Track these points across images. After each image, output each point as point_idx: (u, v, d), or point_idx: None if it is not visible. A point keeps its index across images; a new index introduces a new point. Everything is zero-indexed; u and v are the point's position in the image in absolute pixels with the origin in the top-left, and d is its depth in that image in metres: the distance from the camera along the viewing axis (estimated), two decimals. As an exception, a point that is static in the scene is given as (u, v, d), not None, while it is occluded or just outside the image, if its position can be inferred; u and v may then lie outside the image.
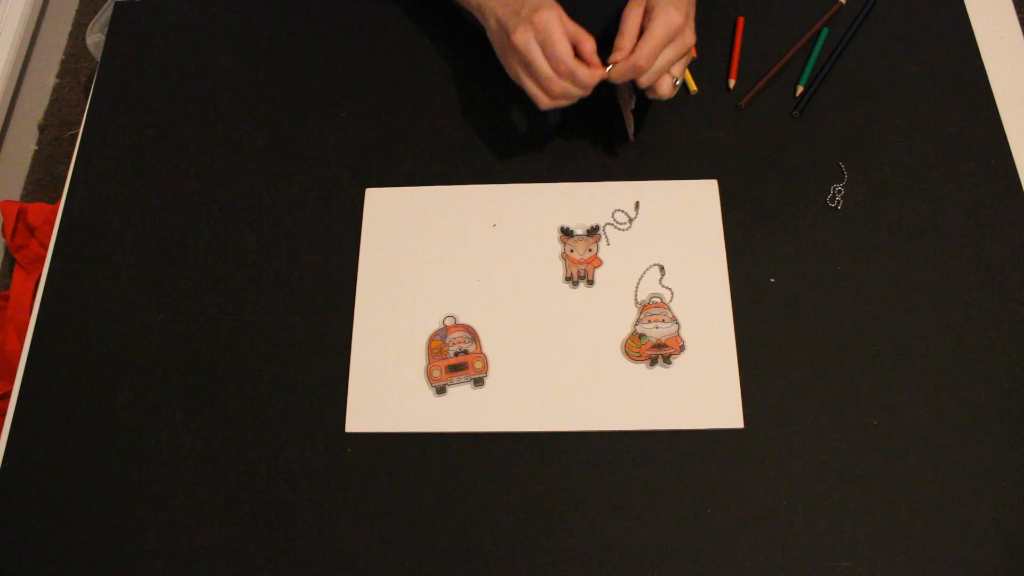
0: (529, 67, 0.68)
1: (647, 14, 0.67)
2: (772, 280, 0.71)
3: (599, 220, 0.74)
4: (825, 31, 0.82)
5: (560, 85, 0.67)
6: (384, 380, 0.69)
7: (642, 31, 0.67)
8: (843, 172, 0.75)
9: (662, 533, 0.63)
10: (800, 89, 0.79)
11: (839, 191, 0.74)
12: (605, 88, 0.70)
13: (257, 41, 0.87)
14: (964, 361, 0.67)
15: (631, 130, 0.76)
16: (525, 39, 0.67)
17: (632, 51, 0.66)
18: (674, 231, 0.73)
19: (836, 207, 0.73)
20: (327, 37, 0.86)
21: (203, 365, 0.71)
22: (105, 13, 1.49)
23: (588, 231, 0.74)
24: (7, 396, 1.19)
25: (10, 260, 1.50)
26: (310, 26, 0.87)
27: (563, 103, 0.70)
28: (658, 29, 0.65)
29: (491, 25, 0.72)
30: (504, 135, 0.79)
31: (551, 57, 0.66)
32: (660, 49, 0.66)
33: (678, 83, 0.70)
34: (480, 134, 0.79)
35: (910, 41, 0.81)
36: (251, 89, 0.84)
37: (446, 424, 0.67)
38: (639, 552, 0.62)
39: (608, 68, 0.68)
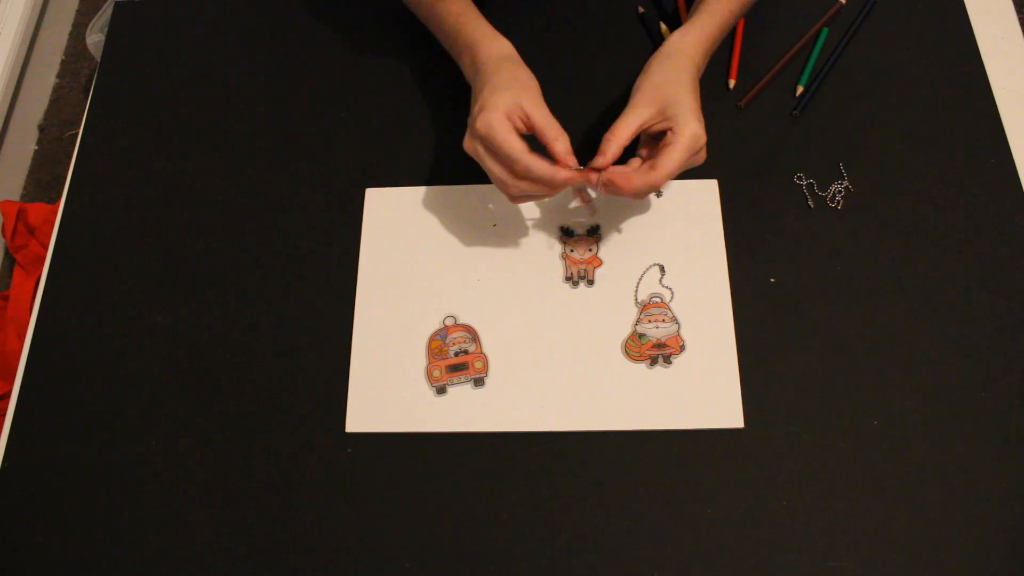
0: (488, 173, 0.65)
1: (658, 118, 0.64)
2: (772, 280, 0.71)
3: (599, 220, 0.74)
4: (825, 31, 0.82)
5: (517, 186, 0.63)
6: (384, 380, 0.69)
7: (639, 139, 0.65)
8: (843, 172, 0.75)
9: (662, 533, 0.63)
10: (800, 89, 0.79)
11: (839, 191, 0.74)
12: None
13: (257, 41, 0.87)
14: (964, 361, 0.67)
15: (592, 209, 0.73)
16: (472, 146, 0.64)
17: (654, 167, 0.62)
18: (674, 231, 0.73)
19: (836, 207, 0.73)
20: (327, 37, 0.86)
21: (203, 365, 0.71)
22: (105, 13, 1.49)
23: (588, 231, 0.74)
24: (7, 396, 1.19)
25: (10, 260, 1.50)
26: (310, 26, 0.87)
27: (536, 198, 0.67)
28: (683, 151, 0.62)
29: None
30: (504, 135, 0.79)
31: (503, 159, 0.62)
32: (680, 170, 0.62)
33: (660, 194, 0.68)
34: (480, 134, 0.79)
35: (910, 41, 0.81)
36: (251, 89, 0.84)
37: (446, 424, 0.67)
38: (639, 552, 0.62)
39: (590, 168, 0.63)
